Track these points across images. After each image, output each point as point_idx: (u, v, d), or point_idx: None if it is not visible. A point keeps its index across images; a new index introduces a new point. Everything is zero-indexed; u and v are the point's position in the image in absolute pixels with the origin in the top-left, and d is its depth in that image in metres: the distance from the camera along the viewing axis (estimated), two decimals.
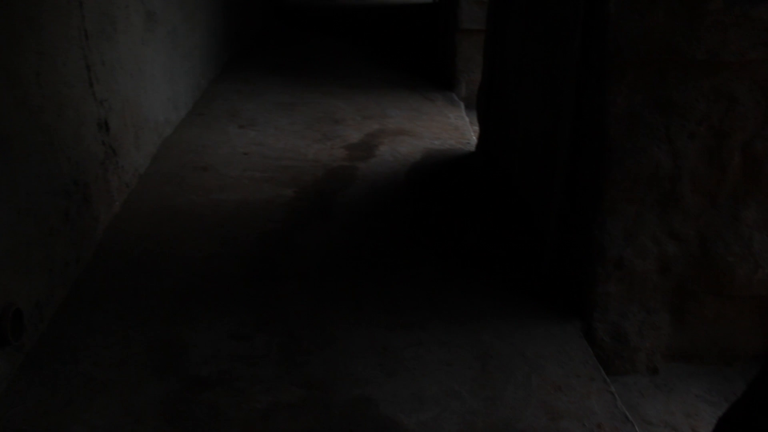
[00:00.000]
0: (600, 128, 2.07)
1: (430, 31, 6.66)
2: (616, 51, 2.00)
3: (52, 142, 2.29)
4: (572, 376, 2.01)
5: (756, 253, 2.14)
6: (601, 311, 2.20)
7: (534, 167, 2.66)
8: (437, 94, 4.79)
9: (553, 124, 2.38)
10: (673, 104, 2.03)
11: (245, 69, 5.24)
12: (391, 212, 2.99)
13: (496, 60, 3.32)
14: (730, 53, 1.98)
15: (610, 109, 2.03)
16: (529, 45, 2.75)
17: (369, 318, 2.24)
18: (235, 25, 5.55)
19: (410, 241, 2.75)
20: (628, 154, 2.07)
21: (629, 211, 2.12)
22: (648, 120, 2.04)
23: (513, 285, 2.44)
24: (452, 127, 4.12)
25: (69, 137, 2.43)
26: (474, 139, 3.88)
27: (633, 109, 2.04)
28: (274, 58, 5.69)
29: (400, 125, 4.11)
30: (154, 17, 3.53)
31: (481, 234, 2.79)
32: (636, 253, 2.15)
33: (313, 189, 3.17)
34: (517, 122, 2.87)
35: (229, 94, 4.59)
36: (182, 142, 3.68)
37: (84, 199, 2.54)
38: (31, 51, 2.16)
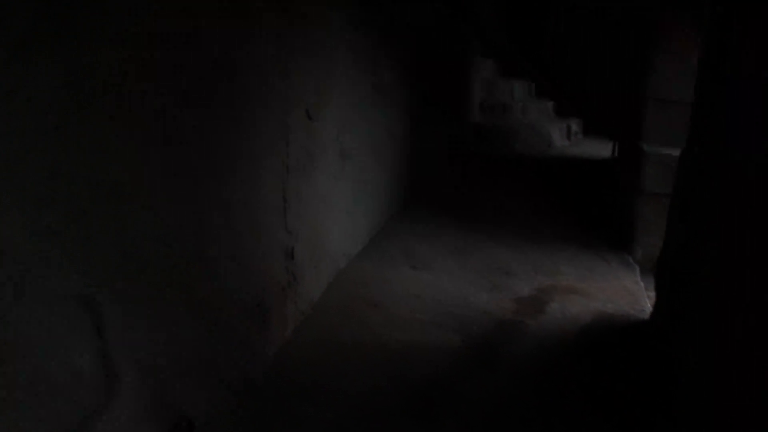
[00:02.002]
0: None
1: (607, 188, 6.60)
2: None
3: (246, 265, 2.45)
4: None
5: None
6: None
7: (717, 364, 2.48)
8: (611, 255, 4.68)
9: (745, 321, 2.24)
10: None
11: (421, 210, 5.40)
12: (559, 375, 2.89)
13: (683, 231, 3.21)
14: None
15: None
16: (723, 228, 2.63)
17: None
18: (416, 167, 5.79)
19: (576, 409, 2.62)
20: None
21: None
22: None
23: None
24: (626, 291, 3.99)
25: (260, 262, 2.59)
26: (648, 306, 3.72)
27: None
28: (449, 201, 5.83)
29: (572, 283, 4.04)
30: (346, 156, 3.77)
31: (652, 416, 2.62)
32: None
33: (480, 339, 3.14)
34: (707, 312, 2.69)
35: (404, 233, 4.73)
36: (356, 277, 3.81)
37: (263, 321, 2.67)
38: (243, 181, 2.37)
